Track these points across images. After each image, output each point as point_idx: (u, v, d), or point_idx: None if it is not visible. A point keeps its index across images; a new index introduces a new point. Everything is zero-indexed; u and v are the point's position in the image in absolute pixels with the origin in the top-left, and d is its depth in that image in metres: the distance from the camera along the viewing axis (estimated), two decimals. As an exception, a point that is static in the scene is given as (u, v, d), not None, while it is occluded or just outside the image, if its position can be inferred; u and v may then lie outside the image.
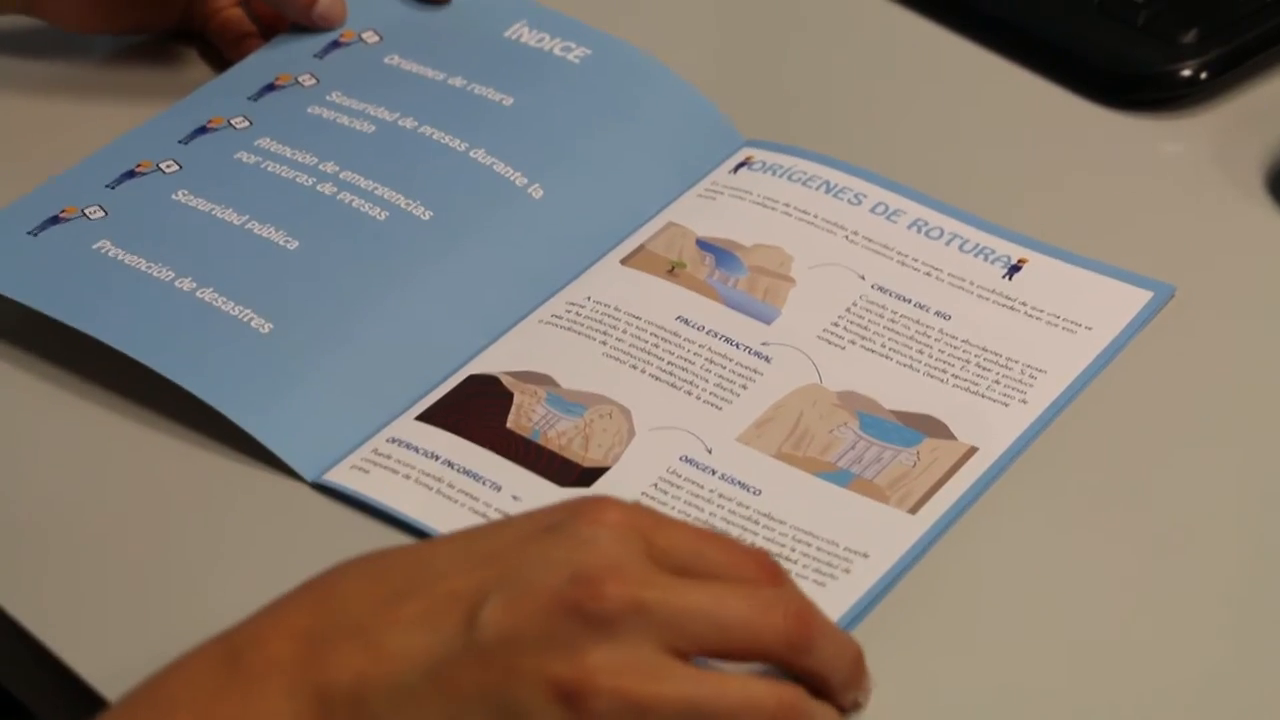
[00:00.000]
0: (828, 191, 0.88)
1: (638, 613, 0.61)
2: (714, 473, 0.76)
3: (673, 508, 0.75)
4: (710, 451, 0.77)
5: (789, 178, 0.89)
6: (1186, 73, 0.94)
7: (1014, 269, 0.85)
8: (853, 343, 0.82)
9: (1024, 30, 0.98)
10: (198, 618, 0.67)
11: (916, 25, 1.00)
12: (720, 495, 0.75)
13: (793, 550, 0.73)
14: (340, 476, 0.76)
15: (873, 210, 0.87)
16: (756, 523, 0.74)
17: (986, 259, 0.85)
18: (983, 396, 0.79)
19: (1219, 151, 0.92)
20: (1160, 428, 0.80)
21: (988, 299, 0.84)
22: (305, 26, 0.94)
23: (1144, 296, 0.84)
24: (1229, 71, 0.95)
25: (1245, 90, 0.95)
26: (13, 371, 0.81)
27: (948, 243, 0.86)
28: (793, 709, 0.63)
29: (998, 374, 0.80)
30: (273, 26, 0.96)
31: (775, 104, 0.95)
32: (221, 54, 0.97)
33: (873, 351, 0.81)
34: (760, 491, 0.76)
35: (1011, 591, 0.73)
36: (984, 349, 0.81)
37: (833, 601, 0.71)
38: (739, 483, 0.76)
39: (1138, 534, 0.75)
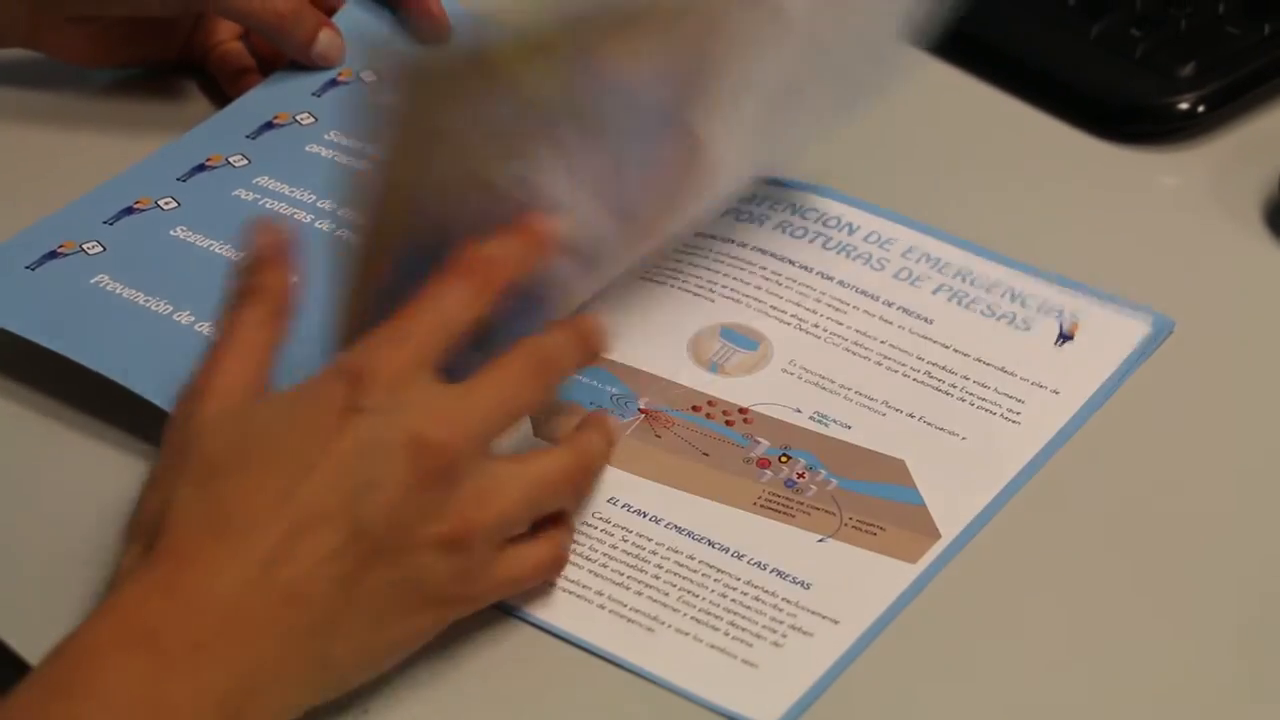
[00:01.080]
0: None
1: (468, 456, 0.68)
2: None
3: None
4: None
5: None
6: (1184, 105, 0.94)
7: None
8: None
9: (1021, 63, 0.98)
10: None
11: (913, 58, 1.00)
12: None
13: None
14: None
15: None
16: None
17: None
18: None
19: (1217, 184, 0.92)
20: (1159, 460, 0.80)
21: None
22: (304, 64, 0.95)
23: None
24: (1227, 104, 0.95)
25: (1243, 123, 0.95)
26: (9, 405, 0.82)
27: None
28: (587, 471, 0.74)
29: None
30: (272, 62, 0.96)
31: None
32: (221, 87, 0.97)
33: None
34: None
35: (1007, 626, 0.74)
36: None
37: None
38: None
39: (1139, 567, 0.75)
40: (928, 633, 0.73)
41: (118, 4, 0.92)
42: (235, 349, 0.70)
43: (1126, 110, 0.95)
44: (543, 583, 0.72)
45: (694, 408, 0.80)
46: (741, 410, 0.80)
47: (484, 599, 0.71)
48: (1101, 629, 0.73)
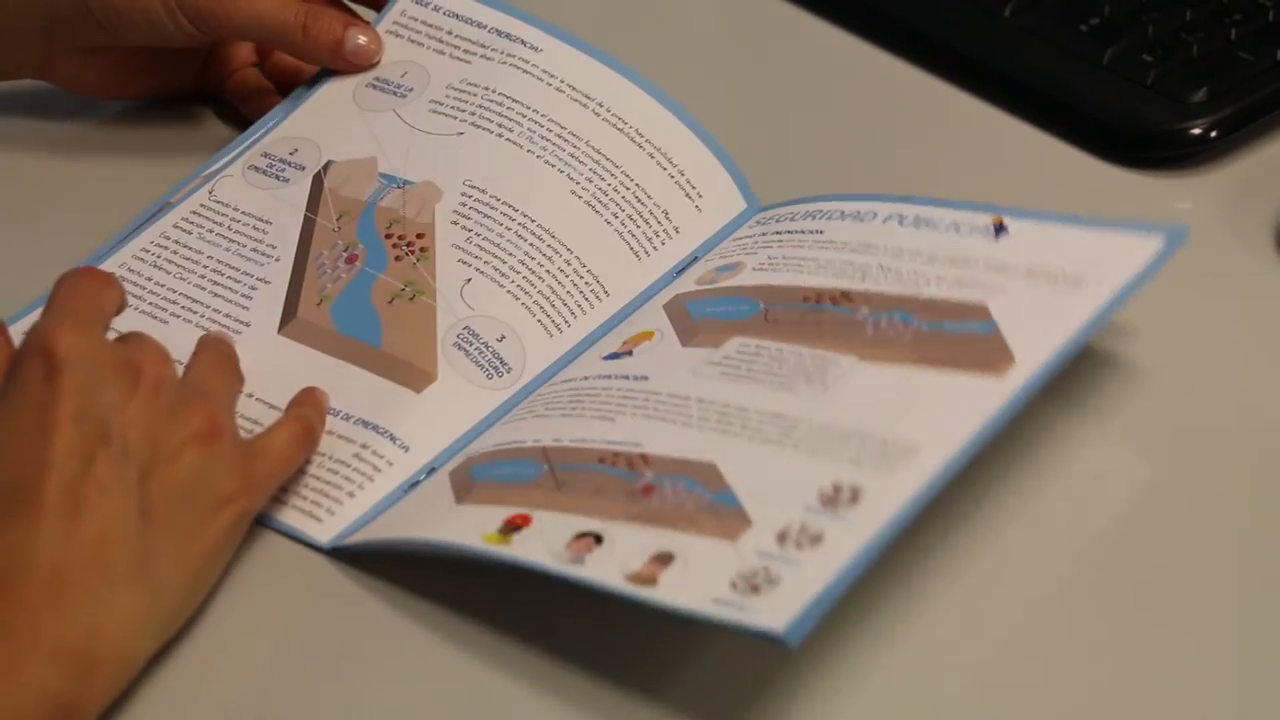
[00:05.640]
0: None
1: (170, 371, 0.74)
2: None
3: None
4: None
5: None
6: (1196, 131, 0.94)
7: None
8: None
9: (1034, 88, 0.98)
10: (212, 684, 0.69)
11: (927, 84, 1.00)
12: None
13: None
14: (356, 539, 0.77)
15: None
16: None
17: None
18: None
19: (1229, 210, 0.92)
20: (1168, 484, 0.80)
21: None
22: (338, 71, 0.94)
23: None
24: (1239, 130, 0.95)
25: (1255, 149, 0.95)
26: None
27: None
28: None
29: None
30: (289, 83, 0.96)
31: (789, 166, 0.95)
32: (240, 112, 0.97)
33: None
34: None
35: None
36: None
37: None
38: None
39: (1149, 598, 0.76)
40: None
41: (133, 34, 0.91)
42: None
43: (1139, 136, 0.95)
44: (303, 455, 0.78)
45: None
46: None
47: (264, 482, 0.75)
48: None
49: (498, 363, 0.82)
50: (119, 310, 0.76)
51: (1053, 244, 0.82)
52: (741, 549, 0.71)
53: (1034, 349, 0.76)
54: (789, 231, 0.87)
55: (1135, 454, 0.81)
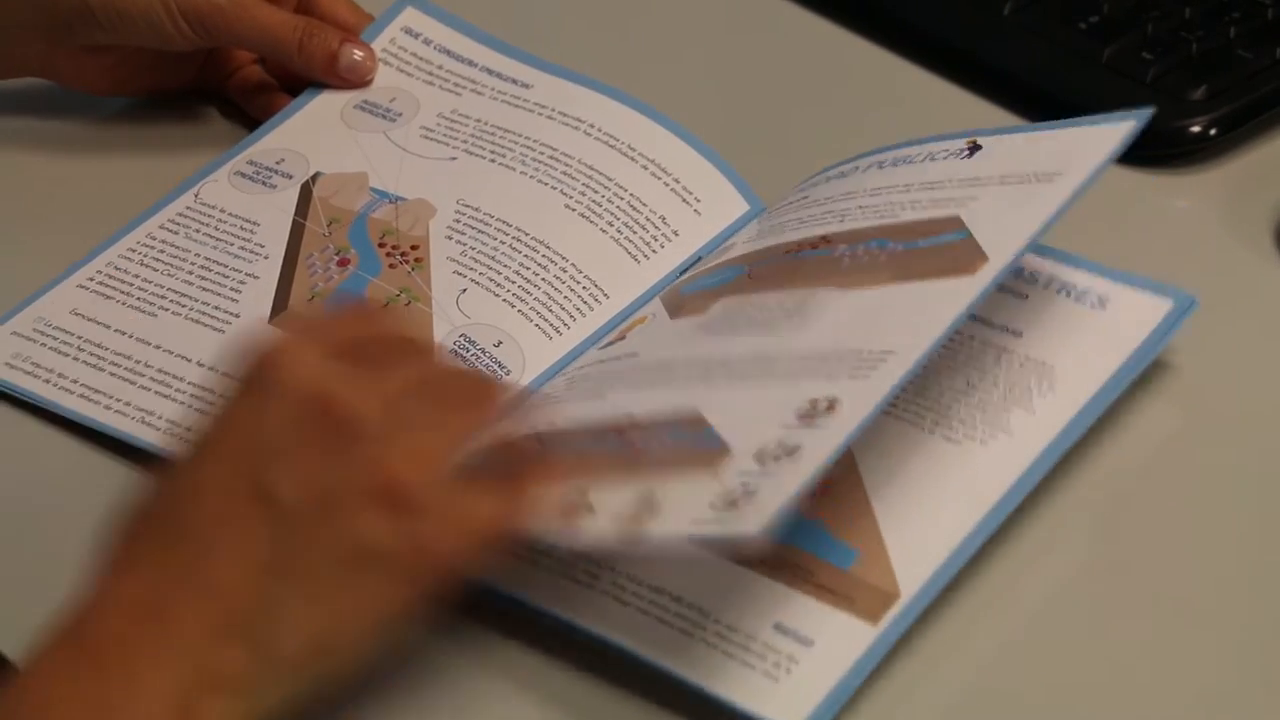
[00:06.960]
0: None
1: (372, 396, 0.65)
2: None
3: None
4: None
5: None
6: (1196, 129, 0.94)
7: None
8: None
9: (1033, 86, 0.98)
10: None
11: (928, 82, 1.00)
12: None
13: None
14: None
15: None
16: None
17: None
18: None
19: (1228, 207, 0.92)
20: (1168, 485, 0.80)
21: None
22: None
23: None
24: (1238, 128, 0.95)
25: (1254, 146, 0.95)
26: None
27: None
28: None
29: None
30: (292, 80, 0.96)
31: (790, 166, 0.95)
32: (243, 110, 0.98)
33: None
34: None
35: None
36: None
37: None
38: None
39: (1137, 613, 0.76)
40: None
41: (134, 36, 0.92)
42: None
43: (1138, 133, 0.95)
44: (501, 535, 0.67)
45: None
46: None
47: (439, 553, 0.65)
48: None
49: (495, 366, 0.83)
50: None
51: (1025, 150, 0.83)
52: (722, 474, 0.69)
53: (1007, 239, 0.77)
54: (779, 207, 0.88)
55: (1135, 453, 0.81)
